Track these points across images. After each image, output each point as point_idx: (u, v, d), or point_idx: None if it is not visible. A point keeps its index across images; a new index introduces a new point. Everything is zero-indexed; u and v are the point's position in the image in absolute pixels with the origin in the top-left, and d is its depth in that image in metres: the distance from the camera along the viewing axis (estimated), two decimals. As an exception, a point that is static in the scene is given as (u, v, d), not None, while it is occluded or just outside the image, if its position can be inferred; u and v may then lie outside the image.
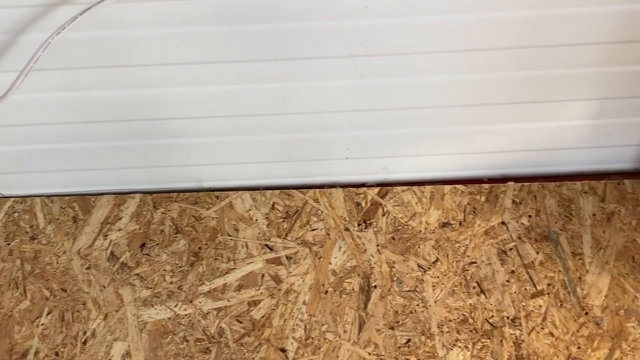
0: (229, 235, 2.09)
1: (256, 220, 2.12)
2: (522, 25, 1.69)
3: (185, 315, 1.95)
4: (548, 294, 1.91)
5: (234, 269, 2.03)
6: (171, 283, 2.01)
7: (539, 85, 1.85)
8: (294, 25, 1.68)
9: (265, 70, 1.81)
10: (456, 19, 1.66)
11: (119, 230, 2.13)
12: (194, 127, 2.00)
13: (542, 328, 1.86)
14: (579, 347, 1.82)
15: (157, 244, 2.09)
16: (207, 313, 1.95)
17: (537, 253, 1.98)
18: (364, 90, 1.86)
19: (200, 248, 2.07)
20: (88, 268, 2.06)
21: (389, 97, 1.88)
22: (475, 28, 1.69)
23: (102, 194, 2.21)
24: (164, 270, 2.04)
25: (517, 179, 2.14)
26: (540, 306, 1.89)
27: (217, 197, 2.17)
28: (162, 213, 2.15)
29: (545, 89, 1.86)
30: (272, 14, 1.65)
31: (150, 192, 2.20)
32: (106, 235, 2.12)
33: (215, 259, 2.05)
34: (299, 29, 1.69)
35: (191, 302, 1.97)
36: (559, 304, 1.89)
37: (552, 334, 1.85)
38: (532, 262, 1.97)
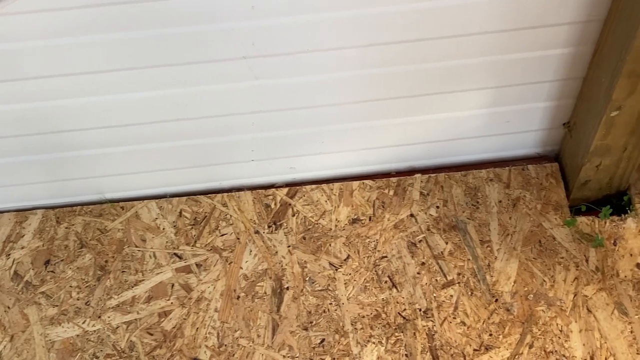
0: (136, 246, 2.04)
1: (163, 229, 2.08)
2: (411, 18, 1.69)
3: (94, 331, 1.91)
4: (458, 283, 1.92)
5: (143, 280, 1.98)
6: (78, 299, 1.96)
7: (434, 77, 1.86)
8: (182, 29, 1.65)
9: (159, 77, 1.77)
10: (344, 15, 1.66)
11: (22, 248, 2.06)
12: (93, 138, 1.95)
13: (454, 318, 1.87)
14: (490, 335, 1.84)
15: (61, 260, 2.03)
16: (117, 327, 1.91)
17: (446, 243, 1.99)
18: (262, 91, 1.84)
19: (106, 261, 2.02)
20: (-9, 290, 1.99)
21: (287, 96, 1.87)
22: (364, 23, 1.68)
23: (3, 212, 2.14)
24: (70, 286, 1.98)
25: (424, 170, 2.15)
26: (452, 296, 1.91)
27: (122, 207, 2.12)
28: (66, 228, 2.09)
29: (441, 80, 1.87)
30: (160, 19, 1.62)
31: (53, 207, 2.14)
32: (9, 254, 2.05)
33: (123, 271, 2.00)
34: (189, 32, 1.66)
35: (99, 317, 1.93)
36: (469, 293, 1.91)
37: (464, 323, 1.86)
38: (441, 252, 1.98)
